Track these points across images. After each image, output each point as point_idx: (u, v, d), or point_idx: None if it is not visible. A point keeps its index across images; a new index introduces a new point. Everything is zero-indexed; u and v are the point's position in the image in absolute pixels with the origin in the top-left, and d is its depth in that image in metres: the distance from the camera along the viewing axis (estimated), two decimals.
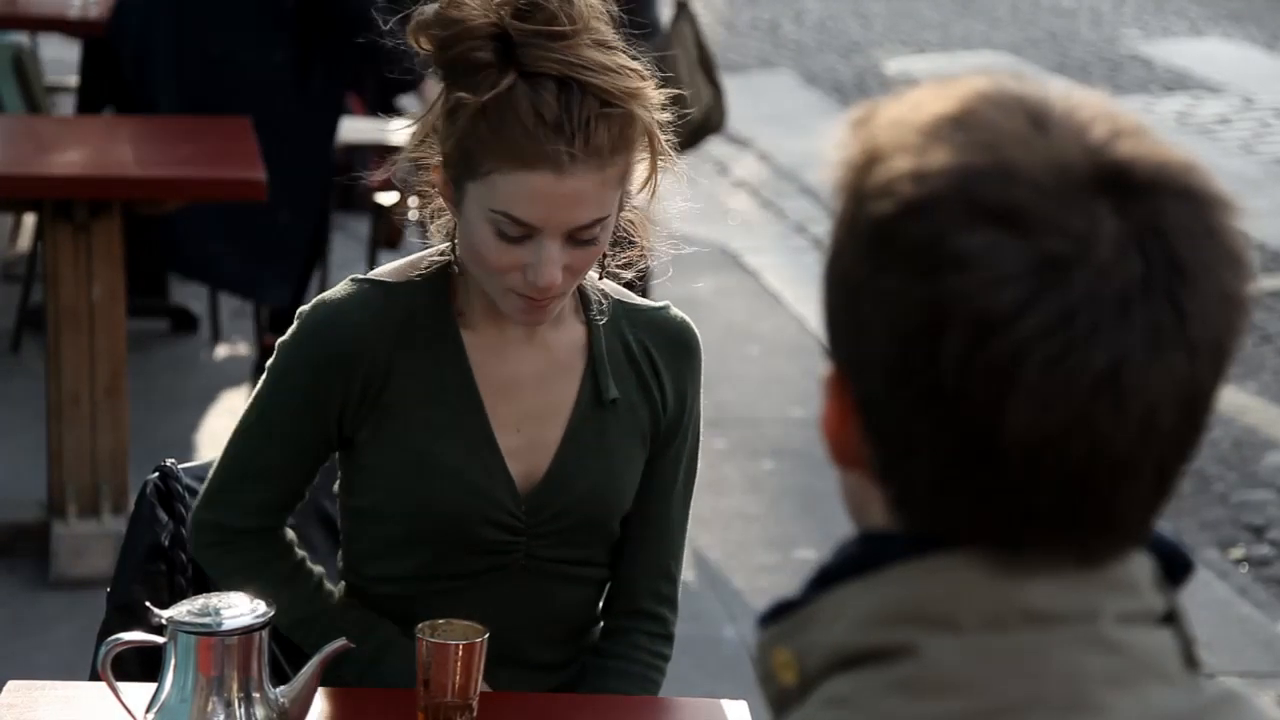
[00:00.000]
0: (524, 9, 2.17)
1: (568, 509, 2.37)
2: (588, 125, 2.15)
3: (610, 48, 2.20)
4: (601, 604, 2.49)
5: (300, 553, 2.42)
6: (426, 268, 2.35)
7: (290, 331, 2.34)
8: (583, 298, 2.39)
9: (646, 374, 2.40)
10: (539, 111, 2.14)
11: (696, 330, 2.44)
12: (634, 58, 2.22)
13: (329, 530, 2.56)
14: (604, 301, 2.39)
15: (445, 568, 2.36)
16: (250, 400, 2.37)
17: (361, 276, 2.36)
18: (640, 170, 2.26)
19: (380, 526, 2.38)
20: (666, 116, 2.24)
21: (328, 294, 2.35)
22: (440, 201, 2.31)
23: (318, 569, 2.43)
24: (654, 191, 2.28)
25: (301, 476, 2.39)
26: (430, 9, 2.22)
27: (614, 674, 2.45)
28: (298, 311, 2.35)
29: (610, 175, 2.20)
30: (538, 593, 2.39)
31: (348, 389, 2.31)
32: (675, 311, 2.44)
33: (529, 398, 2.37)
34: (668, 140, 2.25)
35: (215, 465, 2.40)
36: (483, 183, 2.19)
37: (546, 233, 2.19)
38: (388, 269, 2.38)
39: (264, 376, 2.36)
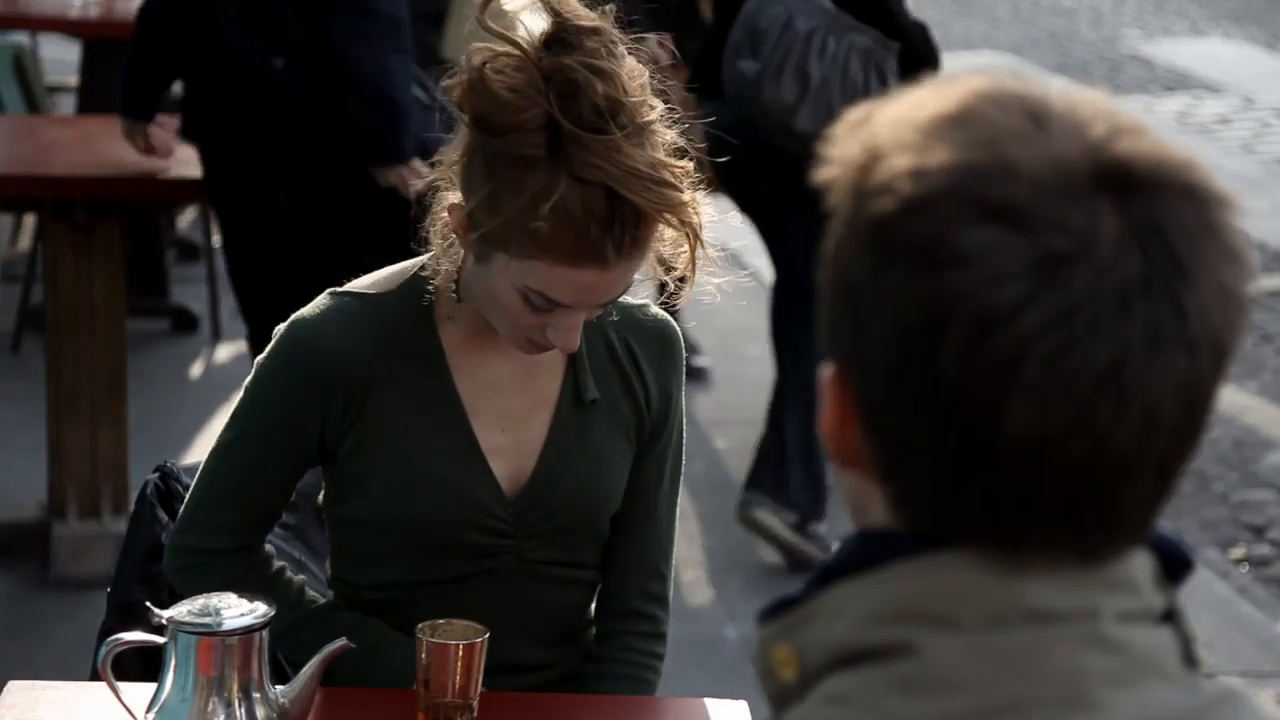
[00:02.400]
0: (566, 90, 2.11)
1: (555, 509, 2.37)
2: (636, 228, 2.16)
3: (654, 136, 2.16)
4: (594, 606, 2.49)
5: (279, 564, 2.40)
6: (411, 280, 2.33)
7: (269, 350, 2.32)
8: None
9: (629, 372, 2.40)
10: (591, 218, 2.13)
11: (677, 326, 2.45)
12: (682, 151, 2.20)
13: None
14: None
15: (434, 573, 2.36)
16: (228, 420, 2.35)
17: (340, 290, 2.34)
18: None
19: (366, 535, 2.37)
20: (708, 212, 2.25)
21: (305, 311, 2.32)
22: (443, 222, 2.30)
23: (298, 578, 2.41)
24: (692, 278, 2.28)
25: (278, 496, 2.38)
26: (472, 69, 2.15)
27: (609, 678, 2.44)
28: (275, 329, 2.33)
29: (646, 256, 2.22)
30: (529, 595, 2.39)
31: (328, 407, 2.30)
32: (655, 309, 2.44)
33: (512, 397, 2.36)
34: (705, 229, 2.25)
35: (192, 488, 2.38)
36: (521, 263, 2.17)
37: (577, 307, 2.21)
38: (368, 280, 2.36)
39: (241, 395, 2.34)
